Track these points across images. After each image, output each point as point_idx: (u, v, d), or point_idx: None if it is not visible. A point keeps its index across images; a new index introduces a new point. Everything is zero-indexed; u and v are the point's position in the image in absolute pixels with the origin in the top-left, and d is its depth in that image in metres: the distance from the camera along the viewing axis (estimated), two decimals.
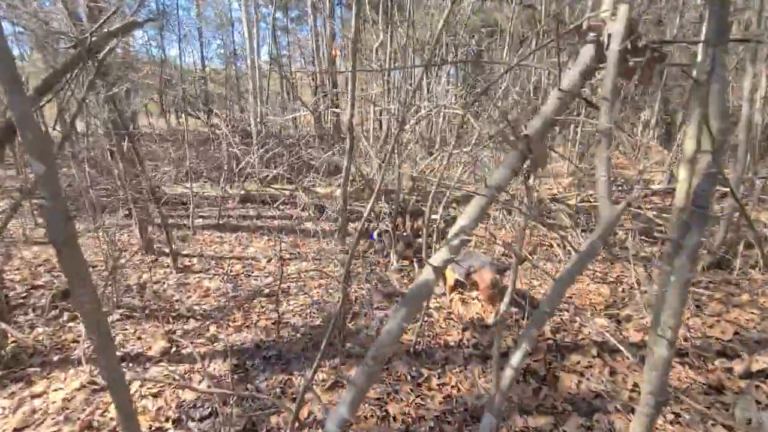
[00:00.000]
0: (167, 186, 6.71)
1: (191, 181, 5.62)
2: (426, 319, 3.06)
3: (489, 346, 2.71)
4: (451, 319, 3.04)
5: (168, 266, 4.34)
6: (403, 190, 4.88)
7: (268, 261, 4.48)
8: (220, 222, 5.80)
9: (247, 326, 3.06)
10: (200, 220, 5.92)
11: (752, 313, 2.94)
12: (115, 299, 3.51)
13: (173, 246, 4.27)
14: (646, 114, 8.01)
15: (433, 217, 3.60)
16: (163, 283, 4.03)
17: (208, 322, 3.20)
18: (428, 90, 8.24)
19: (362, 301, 3.40)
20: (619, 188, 5.39)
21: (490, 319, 2.96)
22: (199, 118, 9.31)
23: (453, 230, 1.12)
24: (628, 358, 2.45)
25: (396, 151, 4.78)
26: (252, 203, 6.62)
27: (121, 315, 3.40)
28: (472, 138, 6.64)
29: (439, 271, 1.12)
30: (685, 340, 2.67)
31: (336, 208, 5.56)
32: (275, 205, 5.90)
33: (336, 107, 10.99)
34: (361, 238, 4.38)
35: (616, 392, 2.17)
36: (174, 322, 3.25)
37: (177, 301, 3.66)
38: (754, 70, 3.12)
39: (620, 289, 3.43)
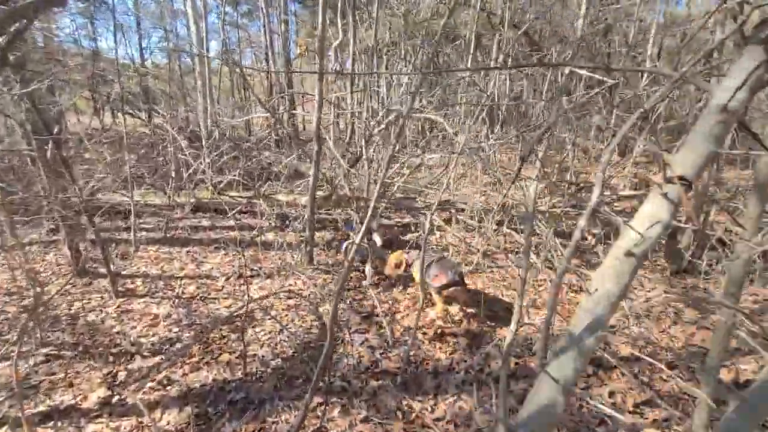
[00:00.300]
0: (103, 194, 5.96)
1: (132, 188, 4.97)
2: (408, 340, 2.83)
3: (480, 369, 2.53)
4: (439, 340, 2.83)
5: (106, 290, 3.76)
6: (371, 197, 4.63)
7: (227, 279, 4.03)
8: (168, 235, 5.20)
9: (206, 363, 2.65)
10: (144, 233, 5.27)
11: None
12: (39, 335, 2.93)
13: (111, 266, 3.70)
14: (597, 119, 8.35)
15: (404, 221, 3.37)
16: (101, 311, 3.47)
17: (158, 359, 2.74)
18: (387, 93, 8.07)
19: (338, 322, 3.09)
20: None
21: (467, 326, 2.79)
22: (139, 118, 8.42)
23: (586, 305, 0.86)
24: (623, 374, 2.37)
25: (365, 156, 4.52)
26: (205, 213, 6.04)
27: (46, 355, 2.83)
28: (441, 142, 6.58)
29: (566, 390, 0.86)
30: (669, 350, 2.66)
31: (301, 217, 5.19)
32: (231, 215, 5.41)
33: (294, 109, 10.49)
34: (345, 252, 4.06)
35: (619, 418, 2.06)
36: (116, 361, 2.76)
37: (118, 333, 3.14)
38: None
39: None
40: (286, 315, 3.24)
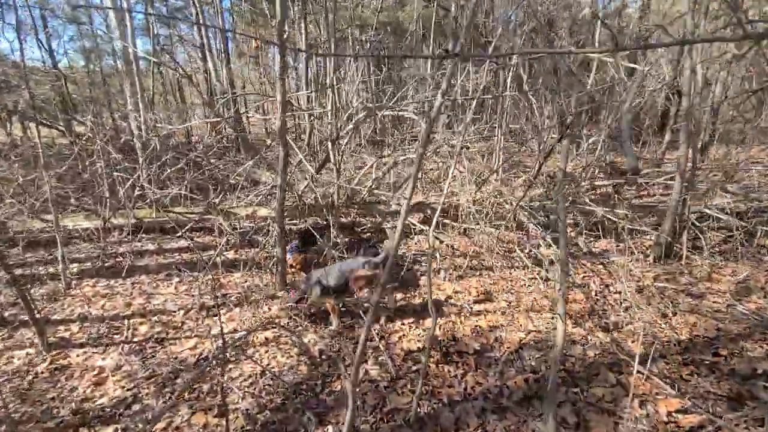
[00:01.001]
0: (16, 221, 5.02)
1: (55, 211, 4.17)
2: (414, 368, 2.54)
3: (499, 392, 2.29)
4: (449, 362, 2.56)
5: (32, 344, 3.06)
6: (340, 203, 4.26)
7: (186, 313, 3.47)
8: (106, 264, 4.46)
9: (176, 429, 2.16)
10: (75, 265, 4.48)
11: (716, 302, 3.06)
12: None
13: (36, 311, 3.01)
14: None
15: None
16: (28, 372, 2.80)
17: (111, 431, 2.21)
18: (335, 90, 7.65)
19: (328, 354, 2.72)
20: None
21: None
22: (56, 129, 7.30)
23: None
24: (643, 375, 2.25)
25: (332, 159, 4.14)
26: (148, 234, 5.30)
27: None
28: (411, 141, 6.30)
29: None
30: (679, 343, 2.61)
31: (263, 231, 4.68)
32: (182, 233, 4.75)
33: (237, 112, 9.71)
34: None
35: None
36: None
37: (54, 399, 2.53)
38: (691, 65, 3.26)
39: (592, 292, 3.34)
40: (266, 351, 2.80)
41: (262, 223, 5.18)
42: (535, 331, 2.81)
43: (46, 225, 5.02)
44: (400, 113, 3.65)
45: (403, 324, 3.04)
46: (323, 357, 2.69)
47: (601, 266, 3.74)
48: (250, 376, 2.53)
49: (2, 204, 5.05)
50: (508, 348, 2.65)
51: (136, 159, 6.04)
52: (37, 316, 3.07)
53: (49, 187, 4.05)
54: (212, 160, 5.76)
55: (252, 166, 4.95)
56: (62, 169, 6.78)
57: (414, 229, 4.54)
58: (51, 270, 4.30)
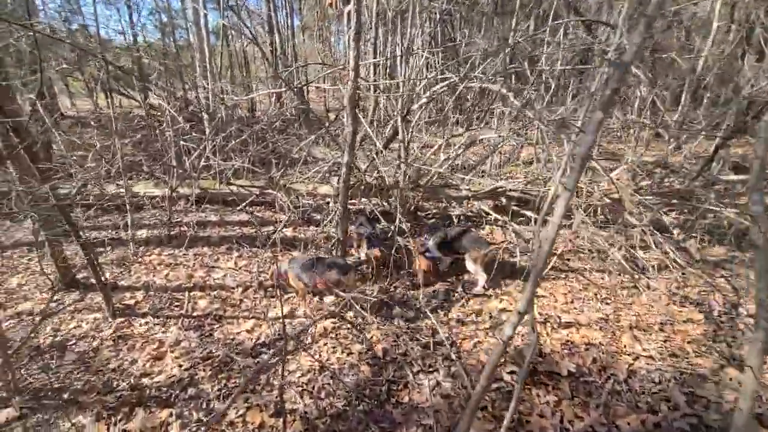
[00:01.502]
0: (93, 186, 5.23)
1: (125, 179, 4.23)
2: (494, 384, 2.16)
3: None
4: (537, 383, 2.15)
5: (100, 308, 3.09)
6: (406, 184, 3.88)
7: (244, 291, 3.35)
8: (171, 233, 4.50)
9: (231, 424, 1.99)
10: (143, 232, 4.58)
11: None
12: (11, 380, 2.27)
13: (103, 278, 3.01)
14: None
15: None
16: (93, 338, 2.81)
17: (167, 415, 2.09)
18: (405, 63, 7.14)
19: (393, 356, 2.42)
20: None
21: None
22: (133, 99, 7.59)
23: None
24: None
25: (401, 135, 3.76)
26: (212, 205, 5.33)
27: (21, 408, 2.18)
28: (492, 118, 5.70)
29: None
30: None
31: (324, 209, 4.47)
32: (243, 207, 4.67)
33: (300, 87, 9.58)
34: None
35: None
36: (111, 418, 2.11)
37: (115, 371, 2.49)
38: None
39: (714, 312, 2.72)
40: (325, 344, 2.56)
41: (321, 201, 4.99)
42: (647, 356, 2.30)
43: (120, 190, 5.18)
44: (485, 86, 3.16)
45: (477, 328, 2.66)
46: (387, 358, 2.40)
47: (722, 280, 3.07)
48: (308, 371, 2.30)
49: (83, 168, 5.26)
50: (612, 374, 2.18)
51: (203, 129, 6.09)
52: (105, 282, 3.09)
53: (120, 155, 4.08)
54: (275, 134, 5.62)
55: (314, 142, 4.70)
56: (136, 138, 7.06)
57: (487, 218, 4.07)
58: (123, 235, 4.41)
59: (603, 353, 2.34)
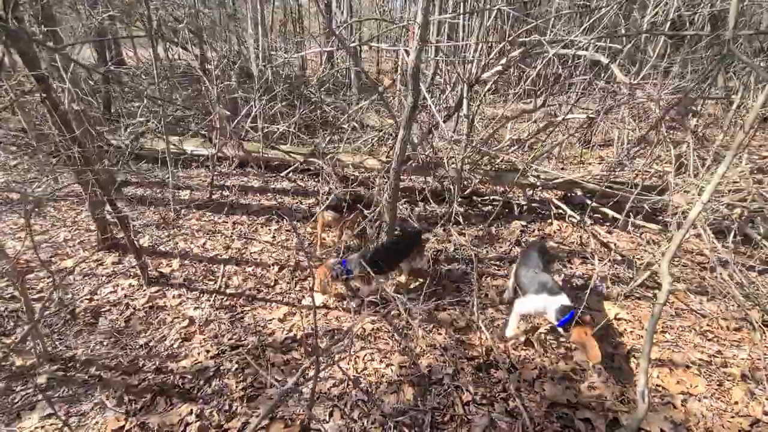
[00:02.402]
0: (146, 140, 5.17)
1: (167, 135, 4.04)
2: (557, 424, 1.76)
3: None
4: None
5: (136, 274, 3.00)
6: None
7: (280, 271, 3.12)
8: (213, 197, 4.36)
9: None
10: (186, 193, 4.48)
11: None
12: (40, 347, 2.19)
13: (137, 245, 2.87)
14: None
15: None
16: (128, 307, 2.71)
17: (186, 410, 1.91)
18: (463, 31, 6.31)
19: (439, 375, 2.08)
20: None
21: None
22: (185, 49, 7.44)
23: None
24: None
25: (468, 110, 3.22)
26: (255, 169, 5.13)
27: (49, 379, 2.11)
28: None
29: None
30: None
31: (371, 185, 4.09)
32: (285, 174, 4.39)
33: (354, 48, 8.98)
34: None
35: None
36: (131, 405, 1.97)
37: (143, 347, 2.36)
38: None
39: None
40: (362, 348, 2.27)
41: (367, 174, 4.61)
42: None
43: (172, 145, 5.06)
44: (578, 52, 2.53)
45: (545, 356, 2.23)
46: (433, 377, 2.06)
47: None
48: (341, 382, 2.03)
49: (135, 123, 5.19)
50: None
51: (250, 90, 5.83)
52: (141, 250, 2.97)
53: (162, 111, 3.89)
54: (323, 97, 5.23)
55: (365, 108, 4.27)
56: (185, 93, 6.95)
57: (555, 212, 3.52)
58: (166, 194, 4.32)
59: (708, 410, 1.85)
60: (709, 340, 2.32)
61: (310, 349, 2.26)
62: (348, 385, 1.99)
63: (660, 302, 1.16)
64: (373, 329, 2.41)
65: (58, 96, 2.90)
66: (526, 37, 3.61)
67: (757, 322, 2.35)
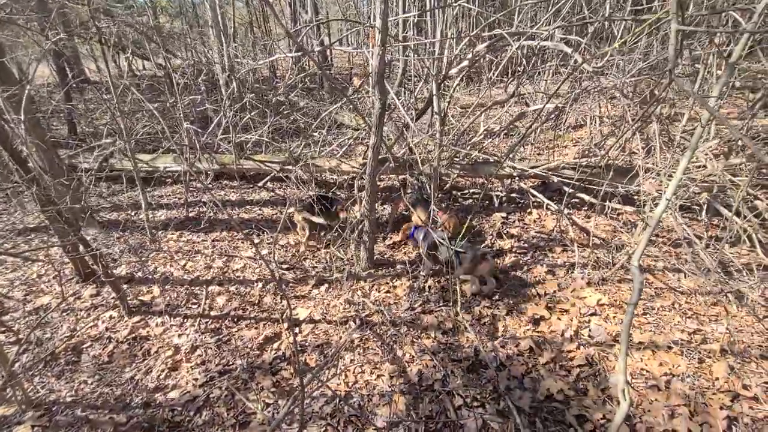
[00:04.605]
0: (115, 160, 5.01)
1: (132, 154, 3.89)
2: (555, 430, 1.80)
3: None
4: None
5: (116, 306, 2.92)
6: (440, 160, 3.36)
7: (265, 286, 3.08)
8: (190, 215, 4.27)
9: None
10: (162, 212, 4.37)
11: None
12: (20, 395, 2.12)
13: (113, 275, 2.79)
14: None
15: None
16: (110, 341, 2.64)
17: None
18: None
19: (429, 381, 2.09)
20: None
21: None
22: (148, 59, 7.21)
23: None
24: None
25: (436, 106, 3.21)
26: (230, 181, 5.04)
27: (34, 428, 2.04)
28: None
29: None
30: None
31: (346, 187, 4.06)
32: (262, 184, 4.32)
33: (322, 44, 8.84)
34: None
35: None
36: None
37: (129, 381, 2.31)
38: None
39: None
40: (351, 360, 2.26)
41: (344, 177, 4.57)
42: (750, 397, 1.84)
43: (143, 164, 4.91)
44: (544, 44, 2.53)
45: (525, 340, 2.26)
46: (423, 384, 2.07)
47: None
48: (333, 398, 2.02)
49: (102, 142, 5.01)
50: (708, 424, 1.75)
51: (218, 98, 5.68)
52: (116, 278, 2.89)
53: (124, 128, 3.75)
54: (293, 103, 5.13)
55: (338, 110, 4.20)
56: (155, 106, 6.74)
57: (533, 201, 3.55)
58: (141, 215, 4.21)
59: (690, 389, 1.91)
60: (689, 317, 2.38)
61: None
62: (340, 401, 1.99)
63: (633, 302, 1.17)
64: (362, 339, 2.40)
65: (11, 128, 2.78)
66: (490, 30, 3.59)
67: (731, 293, 2.42)
